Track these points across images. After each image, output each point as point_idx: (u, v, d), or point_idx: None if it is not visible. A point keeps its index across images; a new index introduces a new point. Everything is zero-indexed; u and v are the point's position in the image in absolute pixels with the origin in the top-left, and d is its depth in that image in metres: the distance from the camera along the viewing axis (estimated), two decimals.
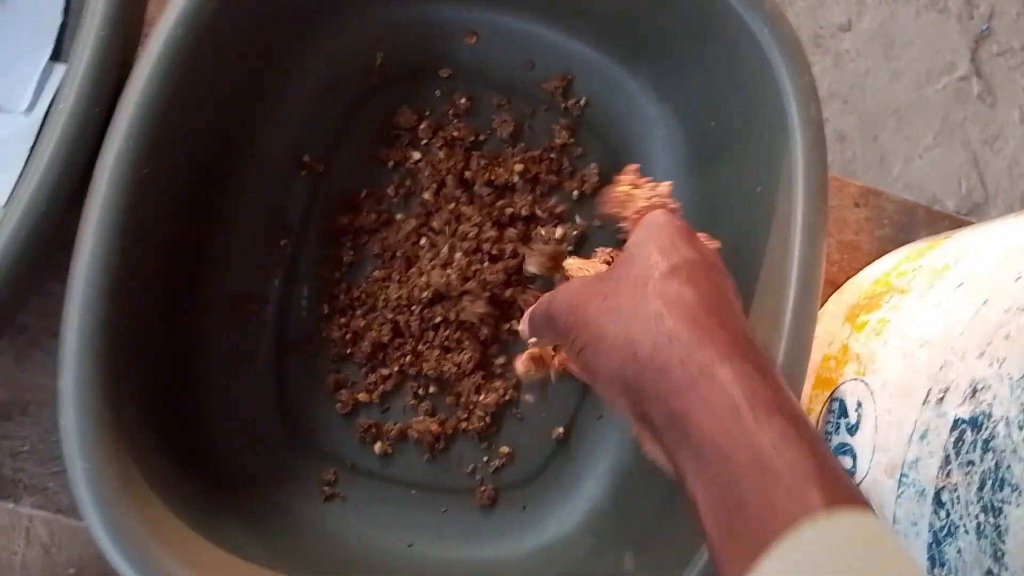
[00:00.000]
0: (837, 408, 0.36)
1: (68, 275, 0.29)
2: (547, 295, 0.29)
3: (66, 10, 0.39)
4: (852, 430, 0.34)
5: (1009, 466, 0.25)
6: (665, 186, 0.31)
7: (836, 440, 0.35)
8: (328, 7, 0.39)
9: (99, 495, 0.28)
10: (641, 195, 0.31)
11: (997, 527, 0.26)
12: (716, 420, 0.22)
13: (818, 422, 0.36)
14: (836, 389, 0.36)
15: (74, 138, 0.30)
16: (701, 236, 0.29)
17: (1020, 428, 0.25)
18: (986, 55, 0.64)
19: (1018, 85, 0.64)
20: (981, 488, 0.26)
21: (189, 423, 0.35)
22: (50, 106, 0.38)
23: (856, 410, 0.34)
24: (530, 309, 0.30)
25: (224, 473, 0.35)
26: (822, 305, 0.42)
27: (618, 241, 0.36)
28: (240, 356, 0.38)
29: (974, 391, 0.28)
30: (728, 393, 0.22)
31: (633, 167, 0.32)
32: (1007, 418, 0.26)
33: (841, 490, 0.20)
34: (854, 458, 0.34)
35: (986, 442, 0.27)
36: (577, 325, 0.26)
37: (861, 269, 0.42)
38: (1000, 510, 0.26)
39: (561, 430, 0.40)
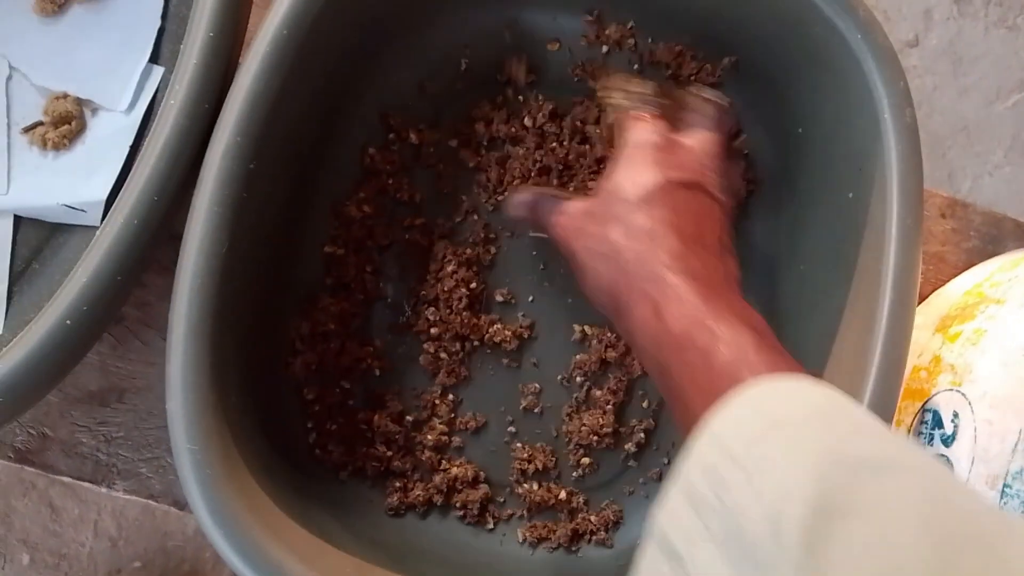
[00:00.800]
0: (931, 419, 0.35)
1: (177, 265, 0.30)
2: (552, 217, 0.34)
3: (164, 15, 0.41)
4: (948, 441, 0.33)
5: None
6: (650, 86, 0.34)
7: (930, 451, 0.34)
8: (419, 12, 0.39)
9: (203, 476, 0.28)
10: (626, 102, 0.34)
11: None
12: (644, 326, 0.28)
13: (909, 433, 0.36)
14: (929, 400, 0.35)
15: (184, 132, 0.32)
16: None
17: None
18: None
19: None
20: None
21: (285, 410, 0.36)
22: (149, 106, 0.40)
23: (952, 421, 0.33)
24: (525, 198, 0.36)
25: (315, 462, 0.36)
26: None
27: None
28: (333, 343, 0.38)
29: None
30: (654, 302, 0.28)
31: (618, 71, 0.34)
32: None
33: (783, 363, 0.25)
34: (950, 467, 0.33)
35: None
36: (569, 255, 0.33)
37: (948, 281, 0.42)
38: None
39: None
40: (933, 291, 0.42)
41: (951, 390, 0.34)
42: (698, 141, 0.34)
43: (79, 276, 0.30)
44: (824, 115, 0.38)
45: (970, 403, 0.33)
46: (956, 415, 0.33)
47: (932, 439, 0.34)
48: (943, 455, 0.33)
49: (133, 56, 0.40)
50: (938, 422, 0.34)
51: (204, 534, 0.29)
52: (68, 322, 0.29)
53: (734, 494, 0.20)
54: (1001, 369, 0.32)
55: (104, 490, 0.37)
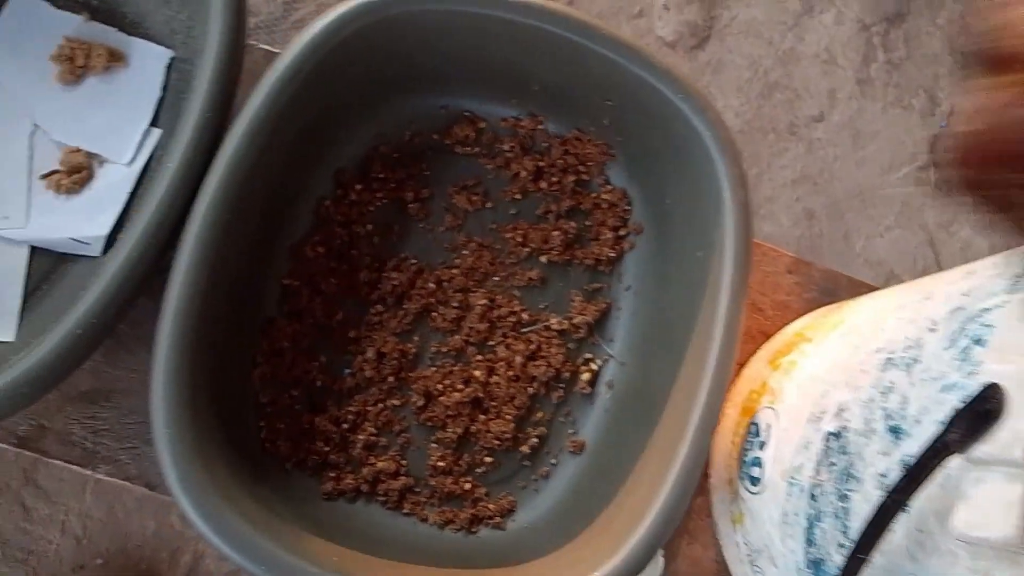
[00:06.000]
0: (754, 430, 0.44)
1: (166, 289, 0.39)
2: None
3: (164, 87, 0.50)
4: (762, 447, 0.43)
5: (854, 464, 0.34)
6: None
7: (752, 454, 0.44)
8: (368, 98, 0.49)
9: (175, 451, 0.37)
10: None
11: (846, 510, 0.34)
12: None
13: (740, 443, 0.45)
14: (754, 415, 0.45)
15: (177, 187, 0.40)
16: None
17: (862, 436, 0.34)
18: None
19: None
20: (838, 482, 0.35)
21: (243, 410, 0.44)
22: (148, 161, 0.49)
23: (766, 431, 0.43)
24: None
25: (265, 453, 0.44)
26: (756, 352, 0.51)
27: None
28: (286, 358, 0.47)
29: (839, 411, 0.37)
30: None
31: None
32: (856, 429, 0.35)
33: None
34: (761, 467, 0.42)
35: (843, 447, 0.35)
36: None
37: (788, 323, 0.52)
38: (847, 496, 0.34)
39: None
40: (777, 331, 0.52)
41: (768, 408, 0.44)
42: None
43: (90, 295, 0.39)
44: (683, 190, 0.48)
45: (777, 417, 0.43)
46: (769, 427, 0.43)
47: (753, 445, 0.44)
48: (759, 457, 0.43)
49: (136, 119, 0.49)
50: (757, 432, 0.44)
51: (174, 500, 0.37)
52: (79, 331, 0.38)
53: None
54: (797, 390, 0.42)
55: (89, 472, 0.45)
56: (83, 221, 0.47)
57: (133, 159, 0.49)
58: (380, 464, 0.46)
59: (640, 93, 0.47)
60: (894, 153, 0.59)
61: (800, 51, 0.60)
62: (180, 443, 0.37)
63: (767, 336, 0.52)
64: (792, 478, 0.39)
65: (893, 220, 0.59)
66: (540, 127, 0.52)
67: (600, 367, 0.50)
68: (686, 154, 0.46)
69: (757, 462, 0.43)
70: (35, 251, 0.47)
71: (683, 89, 0.46)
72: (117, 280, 0.39)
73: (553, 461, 0.48)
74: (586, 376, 0.49)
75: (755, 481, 0.42)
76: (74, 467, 0.45)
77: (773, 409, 0.43)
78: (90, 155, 0.48)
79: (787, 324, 0.52)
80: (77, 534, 0.48)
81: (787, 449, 0.40)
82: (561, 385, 0.49)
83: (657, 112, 0.47)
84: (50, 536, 0.48)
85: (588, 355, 0.50)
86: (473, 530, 0.46)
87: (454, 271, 0.49)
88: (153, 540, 0.48)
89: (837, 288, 0.54)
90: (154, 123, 0.49)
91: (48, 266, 0.47)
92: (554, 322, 0.49)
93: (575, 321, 0.50)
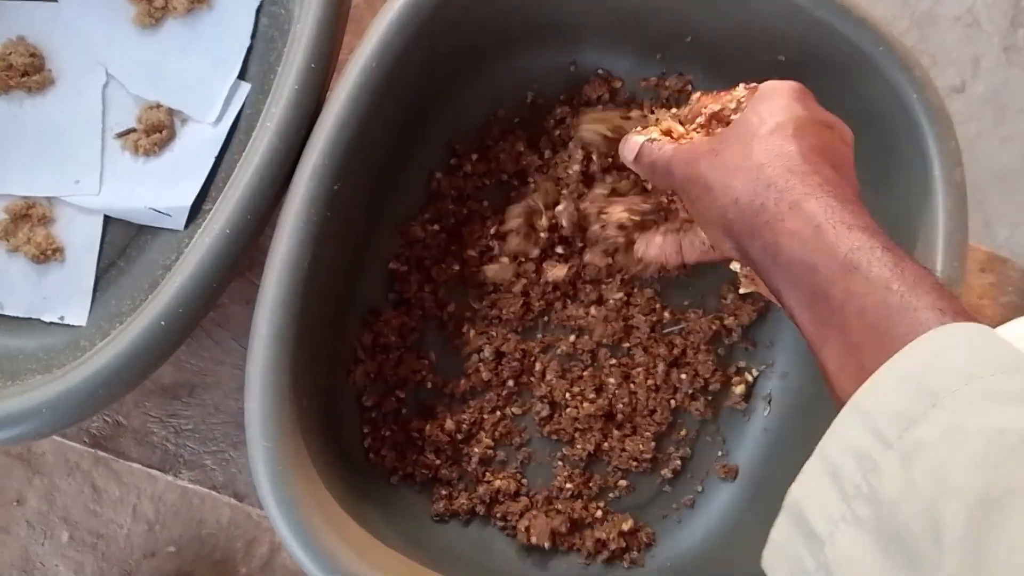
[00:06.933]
0: None
1: (263, 275, 0.33)
2: (668, 147, 0.33)
3: (253, 35, 0.43)
4: None
5: None
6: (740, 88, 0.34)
7: None
8: (491, 50, 0.42)
9: (274, 470, 0.31)
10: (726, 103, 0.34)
11: None
12: (802, 241, 0.25)
13: None
14: None
15: (277, 154, 0.34)
16: None
17: None
18: None
19: None
20: None
21: (345, 415, 0.38)
22: (236, 120, 0.43)
23: None
24: (639, 142, 0.34)
25: (369, 465, 0.38)
26: None
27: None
28: (392, 354, 0.41)
29: None
30: (812, 219, 0.25)
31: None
32: None
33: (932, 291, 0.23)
34: None
35: None
36: (691, 178, 0.30)
37: None
38: None
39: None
40: None
41: None
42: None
43: (175, 279, 0.32)
44: (872, 167, 0.39)
45: None
46: None
47: None
48: None
49: (222, 72, 0.43)
50: None
51: (271, 523, 0.31)
52: (163, 323, 0.32)
53: (887, 483, 0.19)
54: None
55: (171, 478, 0.39)
56: (164, 189, 0.41)
57: (220, 118, 0.43)
58: (498, 482, 0.39)
59: (824, 46, 0.38)
60: None
61: (938, 12, 0.54)
62: (280, 460, 0.31)
63: None
64: None
65: None
66: (688, 88, 0.44)
67: (756, 378, 0.42)
68: (879, 122, 0.38)
69: None
70: (109, 221, 0.41)
71: (883, 40, 0.37)
72: (209, 262, 0.33)
73: (699, 488, 0.41)
74: (740, 389, 0.41)
75: None
76: (154, 472, 0.40)
77: None
78: (171, 112, 0.43)
79: None
80: (149, 519, 0.46)
81: None
82: (709, 398, 0.41)
83: (843, 69, 0.38)
84: (120, 520, 0.46)
85: (742, 363, 0.42)
86: (606, 564, 0.39)
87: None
88: (228, 528, 0.45)
89: None
90: (242, 76, 0.43)
91: (124, 239, 0.41)
92: (702, 323, 0.41)
93: (726, 322, 0.42)
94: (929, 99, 0.37)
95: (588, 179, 0.41)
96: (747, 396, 0.42)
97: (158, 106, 0.42)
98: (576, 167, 0.40)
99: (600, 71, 0.44)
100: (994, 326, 0.44)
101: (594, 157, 0.40)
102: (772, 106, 0.30)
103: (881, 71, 0.37)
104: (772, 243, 0.26)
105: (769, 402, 0.42)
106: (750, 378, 0.42)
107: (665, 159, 0.32)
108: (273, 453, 0.31)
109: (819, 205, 0.26)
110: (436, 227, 0.41)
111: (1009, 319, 0.44)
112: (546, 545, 0.38)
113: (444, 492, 0.39)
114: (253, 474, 0.31)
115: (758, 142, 0.29)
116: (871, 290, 0.23)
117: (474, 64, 0.42)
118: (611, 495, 0.41)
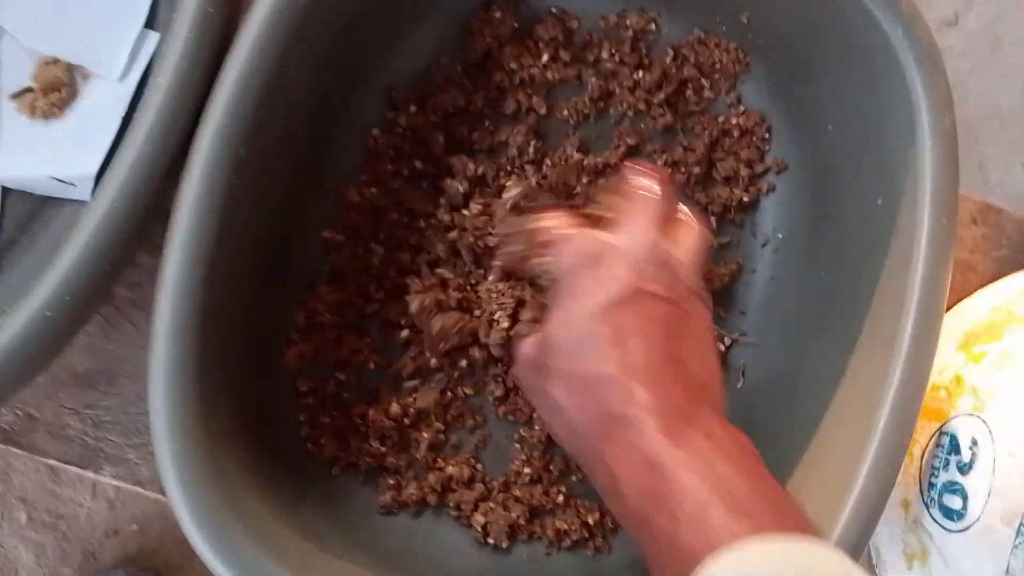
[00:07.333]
0: (948, 443, 0.33)
1: (161, 255, 0.29)
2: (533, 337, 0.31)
3: None
4: (964, 469, 0.32)
5: None
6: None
7: (944, 477, 0.33)
8: None
9: (184, 475, 0.27)
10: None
11: None
12: (632, 483, 0.26)
13: (923, 455, 0.34)
14: (947, 423, 0.34)
15: (172, 111, 0.30)
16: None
17: None
18: None
19: None
20: None
21: (276, 403, 0.35)
22: (144, 74, 0.38)
23: (971, 448, 0.32)
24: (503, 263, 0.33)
25: (307, 457, 0.35)
26: None
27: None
28: (329, 334, 0.37)
29: None
30: (613, 467, 0.26)
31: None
32: None
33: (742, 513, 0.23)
34: (964, 499, 0.31)
35: None
36: (534, 400, 0.31)
37: (975, 291, 0.40)
38: None
39: None
40: (958, 301, 0.40)
41: (972, 415, 0.33)
42: (639, 238, 0.29)
43: (59, 265, 0.28)
44: (856, 113, 0.35)
45: (991, 431, 0.31)
46: (975, 442, 0.32)
47: (948, 464, 0.33)
48: (958, 483, 0.32)
49: (127, 20, 0.38)
50: (955, 448, 0.33)
51: (187, 536, 0.28)
52: (48, 313, 0.28)
53: None
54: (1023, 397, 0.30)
55: (91, 475, 0.36)
56: (66, 155, 0.37)
57: (125, 73, 0.38)
58: (450, 469, 0.36)
59: None
60: None
61: None
62: (190, 464, 0.28)
63: (947, 306, 0.40)
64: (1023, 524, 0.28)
65: None
66: (651, 27, 0.39)
67: (729, 347, 0.39)
68: (862, 63, 0.35)
69: (956, 489, 0.32)
70: (8, 194, 0.37)
71: None
72: (98, 241, 0.28)
73: None
74: None
75: (953, 515, 0.32)
76: (72, 468, 0.37)
77: (982, 420, 0.32)
78: (71, 67, 0.38)
79: (975, 291, 0.39)
80: (110, 497, 0.43)
81: (1017, 482, 0.29)
82: None
83: (822, 2, 0.34)
84: (80, 499, 0.43)
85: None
86: (570, 552, 0.37)
87: None
88: None
89: None
90: (150, 25, 0.38)
91: (26, 213, 0.38)
92: None
93: None
94: (916, 35, 0.33)
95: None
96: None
97: (56, 61, 0.38)
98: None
99: (554, 9, 0.39)
100: (985, 283, 0.40)
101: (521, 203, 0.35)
102: (567, 311, 0.28)
103: (863, 4, 0.33)
104: (610, 478, 0.27)
105: (743, 374, 0.39)
106: (722, 347, 0.39)
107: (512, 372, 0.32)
108: (182, 456, 0.28)
109: (612, 455, 0.26)
110: (373, 191, 0.37)
111: (1003, 275, 0.40)
112: (504, 545, 0.35)
113: (391, 482, 0.36)
114: (163, 481, 0.28)
115: (554, 378, 0.28)
116: (661, 538, 0.24)
117: (411, 2, 0.37)
118: (573, 478, 0.38)
